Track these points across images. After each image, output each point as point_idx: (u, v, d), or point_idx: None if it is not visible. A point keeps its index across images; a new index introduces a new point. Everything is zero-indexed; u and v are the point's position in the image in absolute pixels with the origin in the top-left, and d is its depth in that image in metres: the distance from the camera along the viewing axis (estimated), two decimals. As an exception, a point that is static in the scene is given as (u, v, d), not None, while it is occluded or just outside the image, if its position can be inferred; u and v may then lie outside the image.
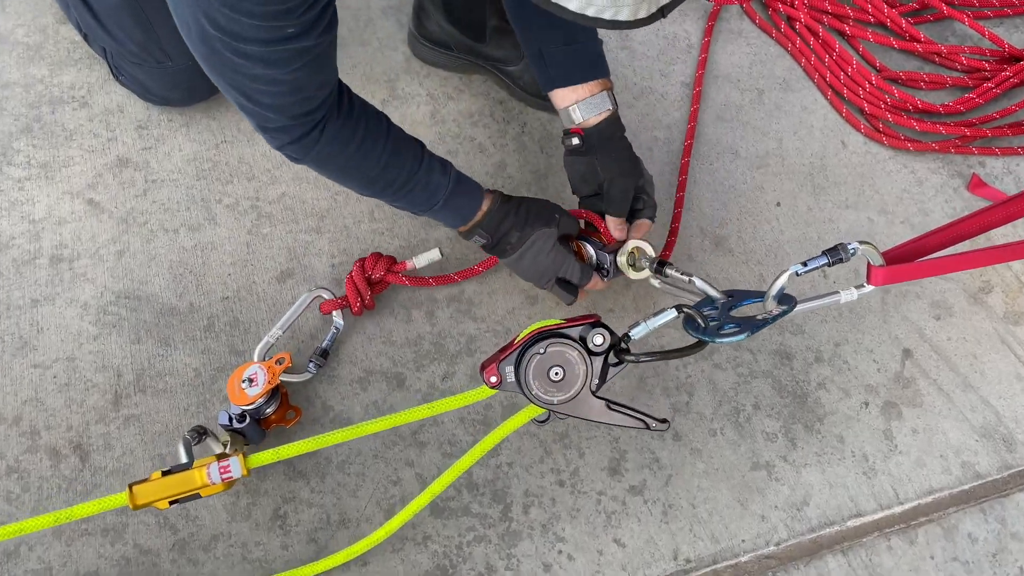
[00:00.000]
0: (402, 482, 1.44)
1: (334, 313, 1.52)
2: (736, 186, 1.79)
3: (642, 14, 0.93)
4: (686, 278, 1.34)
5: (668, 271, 1.41)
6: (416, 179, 1.39)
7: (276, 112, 1.21)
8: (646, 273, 1.48)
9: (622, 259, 1.49)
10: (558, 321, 1.20)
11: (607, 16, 0.92)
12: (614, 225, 1.49)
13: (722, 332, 1.16)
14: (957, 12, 1.97)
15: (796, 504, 1.47)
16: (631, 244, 1.48)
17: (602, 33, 1.56)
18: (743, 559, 1.42)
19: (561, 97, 1.48)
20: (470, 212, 1.45)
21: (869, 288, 1.22)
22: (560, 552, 1.40)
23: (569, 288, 1.49)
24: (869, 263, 1.21)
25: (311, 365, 1.48)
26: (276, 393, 1.41)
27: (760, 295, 1.23)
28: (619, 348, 1.21)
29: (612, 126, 1.47)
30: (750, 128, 1.87)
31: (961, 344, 1.64)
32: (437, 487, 1.28)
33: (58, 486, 1.39)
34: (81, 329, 1.51)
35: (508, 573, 1.37)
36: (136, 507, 1.14)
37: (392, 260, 1.54)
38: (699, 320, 1.20)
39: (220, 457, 1.19)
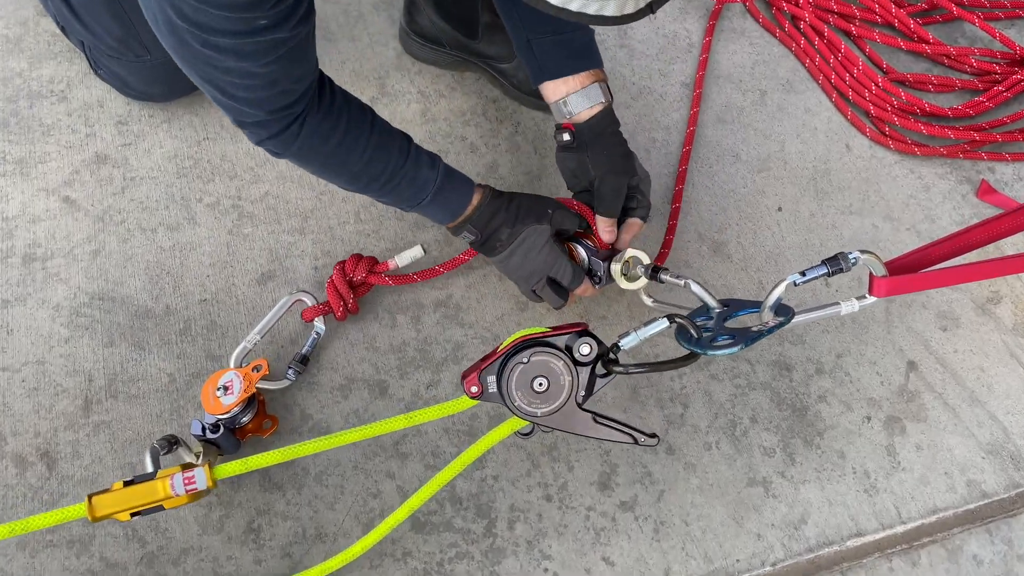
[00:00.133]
0: (382, 495, 1.38)
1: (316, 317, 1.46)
2: (736, 190, 1.73)
3: (629, 9, 0.88)
4: (681, 282, 1.29)
5: (663, 276, 1.35)
6: (403, 173, 1.33)
7: (252, 106, 1.16)
8: (640, 283, 1.42)
9: (616, 267, 1.43)
10: (544, 329, 1.14)
11: (591, 11, 0.87)
12: (603, 224, 1.43)
13: (715, 344, 1.10)
14: (967, 13, 1.91)
15: (794, 522, 1.40)
16: (628, 253, 1.42)
17: (599, 30, 1.50)
18: (737, 580, 1.36)
19: (552, 90, 1.42)
20: (460, 207, 1.40)
21: (871, 300, 1.17)
22: (546, 570, 1.34)
23: (559, 291, 1.43)
24: (871, 273, 1.15)
25: (290, 372, 1.43)
26: (253, 401, 1.36)
27: (757, 305, 1.18)
28: (607, 359, 1.15)
29: (604, 120, 1.40)
30: (751, 130, 1.81)
31: (968, 357, 1.57)
32: (415, 501, 1.22)
33: (23, 495, 1.33)
34: (52, 331, 1.46)
35: (491, 592, 1.32)
36: (95, 519, 1.09)
37: (374, 260, 1.48)
38: (692, 330, 1.14)
39: (185, 467, 1.13)
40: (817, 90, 1.88)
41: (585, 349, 1.12)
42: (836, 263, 1.11)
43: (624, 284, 1.43)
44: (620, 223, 1.46)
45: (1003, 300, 1.63)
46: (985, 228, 1.21)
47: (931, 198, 1.75)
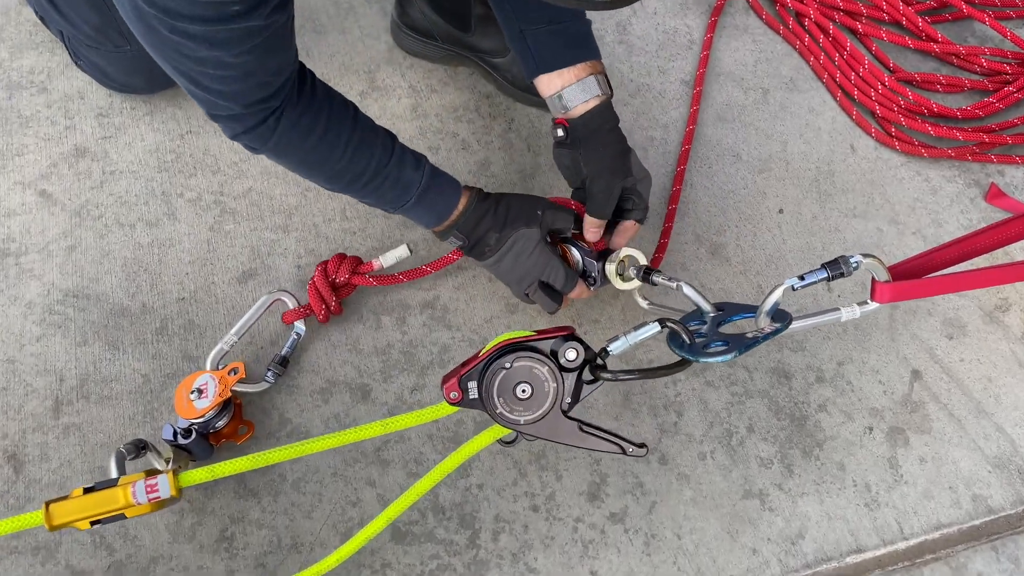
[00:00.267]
0: (362, 503, 1.32)
1: (296, 318, 1.41)
2: (736, 191, 1.67)
3: None
4: (673, 284, 1.23)
5: (655, 279, 1.30)
6: (386, 173, 1.28)
7: (226, 99, 1.11)
8: (635, 283, 1.37)
9: (611, 267, 1.38)
10: (528, 333, 1.09)
11: None
12: (590, 225, 1.37)
13: (708, 350, 1.04)
14: (977, 11, 1.85)
15: (791, 537, 1.35)
16: (623, 252, 1.37)
17: (596, 24, 1.45)
18: (731, 597, 1.30)
19: (546, 84, 1.35)
20: (446, 210, 1.34)
21: (873, 306, 1.11)
22: (531, 584, 1.28)
23: (552, 295, 1.37)
24: (874, 278, 1.10)
25: (269, 374, 1.37)
26: (228, 405, 1.30)
27: (753, 310, 1.12)
28: (595, 364, 1.09)
29: (600, 116, 1.33)
30: (753, 130, 1.75)
31: (975, 366, 1.52)
32: (394, 510, 1.17)
33: (-12, 499, 1.28)
34: (24, 329, 1.40)
35: (473, 606, 1.26)
36: (53, 528, 1.03)
37: (357, 261, 1.43)
38: (684, 336, 1.09)
39: (149, 474, 1.08)
40: (821, 89, 1.83)
41: (571, 354, 1.07)
42: (836, 267, 1.06)
43: (619, 284, 1.38)
44: (615, 225, 1.40)
45: (1012, 308, 1.57)
46: (994, 232, 1.17)
47: (938, 201, 1.69)
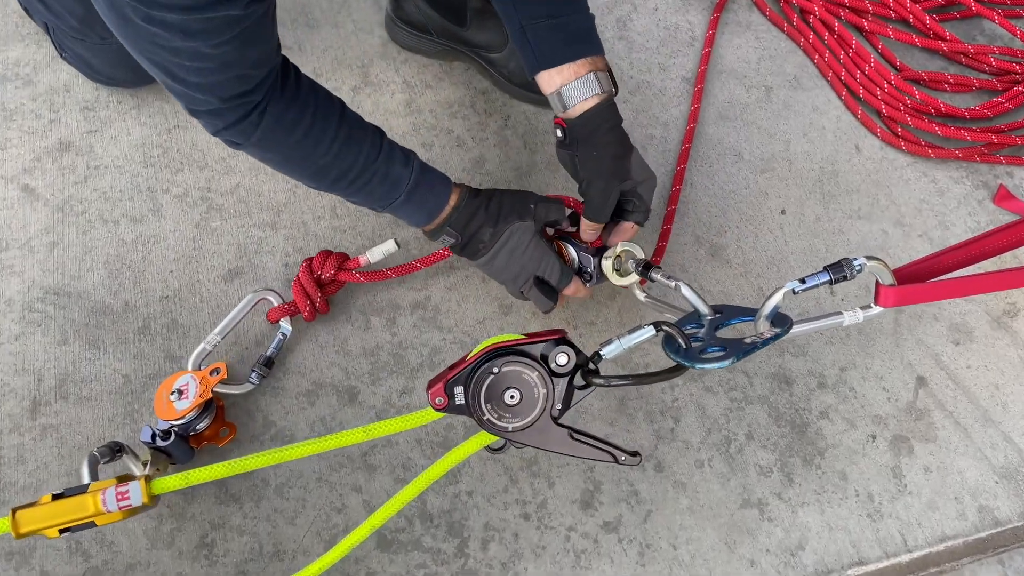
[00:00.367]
0: (347, 509, 1.28)
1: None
2: (738, 191, 1.63)
3: None
4: (672, 283, 1.19)
5: (654, 275, 1.25)
6: (374, 169, 1.24)
7: (204, 92, 1.07)
8: (632, 279, 1.32)
9: (607, 263, 1.33)
10: (518, 336, 1.04)
11: None
12: (586, 227, 1.33)
13: (704, 355, 1.00)
14: (987, 9, 1.81)
15: (790, 548, 1.30)
16: (620, 247, 1.33)
17: (598, 22, 1.39)
18: (727, 610, 1.26)
19: (547, 81, 1.29)
20: (436, 207, 1.30)
21: (877, 310, 1.07)
22: (520, 595, 1.24)
23: (548, 293, 1.33)
24: (878, 282, 1.06)
25: (253, 375, 1.33)
26: (210, 407, 1.27)
27: (752, 313, 1.08)
28: (587, 369, 1.05)
29: (598, 116, 1.27)
30: (755, 128, 1.71)
31: (982, 373, 1.47)
32: (379, 518, 1.13)
33: (-38, 502, 1.25)
34: (2, 327, 1.37)
35: (460, 618, 1.22)
36: (19, 535, 1.00)
37: (344, 257, 1.39)
38: (680, 340, 1.04)
39: (121, 480, 1.04)
40: (826, 87, 1.78)
41: (562, 359, 1.03)
42: (839, 270, 1.02)
43: (615, 280, 1.33)
44: (614, 224, 1.36)
45: (1020, 313, 1.53)
46: (1002, 235, 1.13)
47: (945, 203, 1.65)
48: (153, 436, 1.19)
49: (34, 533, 1.00)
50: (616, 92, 1.29)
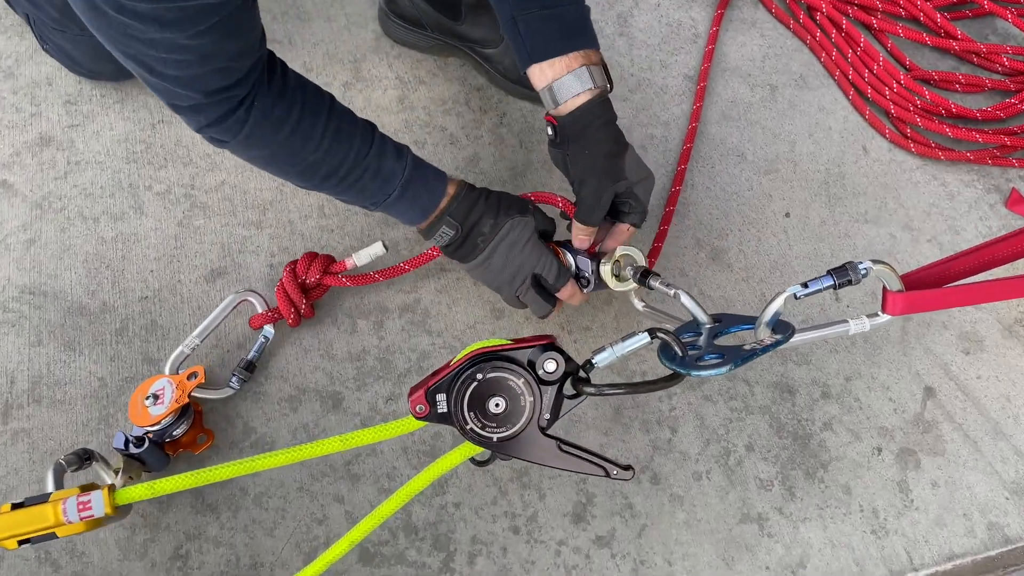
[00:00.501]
0: (328, 520, 1.23)
1: (265, 321, 1.32)
2: (740, 193, 1.57)
3: None
4: (671, 291, 1.14)
5: (652, 282, 1.20)
6: (366, 164, 1.18)
7: (184, 86, 1.02)
8: (631, 285, 1.27)
9: (606, 268, 1.28)
10: (504, 341, 0.99)
11: None
12: (578, 230, 1.27)
13: (701, 363, 0.95)
14: (999, 8, 1.77)
15: (791, 566, 1.25)
16: (619, 251, 1.27)
17: (597, 17, 1.34)
18: (724, 630, 1.21)
19: (538, 75, 1.23)
20: (431, 203, 1.24)
21: (884, 318, 1.02)
22: (508, 612, 1.19)
23: (546, 296, 1.28)
24: (885, 288, 1.00)
25: (234, 379, 1.28)
26: (188, 412, 1.22)
27: (753, 321, 1.02)
28: (577, 377, 1.00)
29: (589, 113, 1.21)
30: (759, 128, 1.65)
31: (993, 384, 1.42)
32: (360, 530, 1.07)
33: (-72, 509, 1.19)
34: (-25, 327, 1.32)
35: (444, 635, 1.17)
36: (-24, 548, 0.95)
37: (329, 260, 1.34)
38: (676, 348, 0.99)
39: (84, 490, 0.99)
40: (833, 87, 1.73)
41: (550, 365, 0.97)
42: (843, 274, 0.96)
43: (614, 285, 1.28)
44: (610, 226, 1.30)
45: (1033, 322, 1.48)
46: (1015, 241, 1.08)
47: (955, 207, 1.59)
48: (126, 442, 1.15)
49: (-8, 544, 0.96)
50: (611, 88, 1.24)
